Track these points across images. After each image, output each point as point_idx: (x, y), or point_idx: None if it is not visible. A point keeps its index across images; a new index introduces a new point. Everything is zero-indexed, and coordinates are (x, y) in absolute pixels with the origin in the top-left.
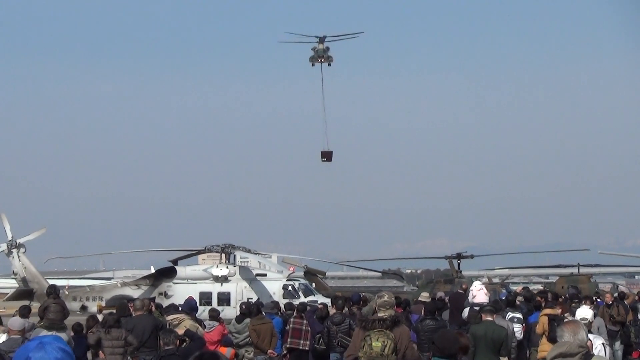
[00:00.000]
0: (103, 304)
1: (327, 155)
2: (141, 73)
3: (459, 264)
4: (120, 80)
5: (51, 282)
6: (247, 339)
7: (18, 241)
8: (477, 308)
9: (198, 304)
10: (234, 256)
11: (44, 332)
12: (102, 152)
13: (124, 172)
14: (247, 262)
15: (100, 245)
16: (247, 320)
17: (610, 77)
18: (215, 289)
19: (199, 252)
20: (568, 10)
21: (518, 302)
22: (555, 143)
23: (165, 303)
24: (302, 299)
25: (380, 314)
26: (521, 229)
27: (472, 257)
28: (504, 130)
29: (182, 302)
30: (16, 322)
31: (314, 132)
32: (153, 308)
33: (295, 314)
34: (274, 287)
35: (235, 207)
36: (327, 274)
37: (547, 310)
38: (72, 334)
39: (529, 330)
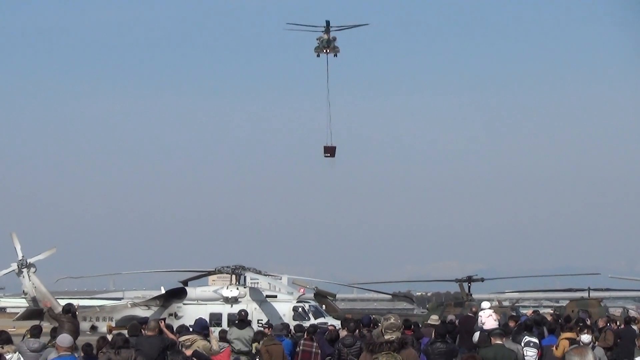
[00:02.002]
0: (113, 324)
1: (330, 151)
2: (149, 89)
3: (469, 287)
4: (129, 98)
5: (61, 302)
6: (247, 348)
7: (28, 261)
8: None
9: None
10: (245, 277)
11: (54, 354)
12: (113, 172)
13: (134, 191)
14: (258, 283)
15: (110, 265)
16: (248, 327)
17: (623, 102)
18: (225, 310)
19: (210, 273)
20: (590, 32)
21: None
22: (566, 166)
23: (176, 324)
24: (312, 321)
25: (387, 337)
26: (532, 252)
27: (482, 280)
28: (515, 152)
29: (192, 323)
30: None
31: (326, 158)
32: (163, 327)
33: (305, 336)
34: (284, 308)
35: (246, 227)
36: (337, 295)
37: (567, 334)
38: (82, 354)
39: (543, 354)
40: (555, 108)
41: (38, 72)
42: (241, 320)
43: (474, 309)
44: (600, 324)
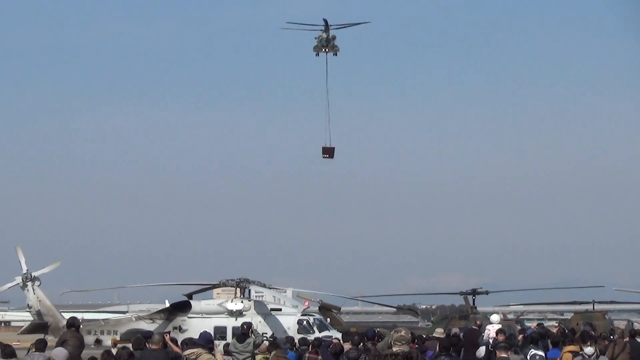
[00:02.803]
0: (117, 337)
1: (328, 152)
2: (150, 100)
3: (473, 300)
4: (131, 110)
5: (66, 315)
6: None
7: (33, 274)
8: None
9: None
10: (249, 290)
11: None
12: (117, 184)
13: (138, 205)
14: (262, 296)
15: (114, 278)
16: (250, 340)
17: (630, 117)
18: (230, 323)
19: (214, 286)
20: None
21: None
22: (571, 178)
23: (180, 337)
24: (317, 334)
25: (395, 349)
26: (536, 265)
27: (487, 293)
28: (521, 163)
29: (197, 337)
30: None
31: (329, 167)
32: (168, 341)
33: (310, 350)
34: (289, 321)
35: (250, 240)
36: (342, 309)
37: (570, 347)
38: None
39: None
40: (562, 121)
41: (43, 85)
42: (243, 333)
43: (478, 322)
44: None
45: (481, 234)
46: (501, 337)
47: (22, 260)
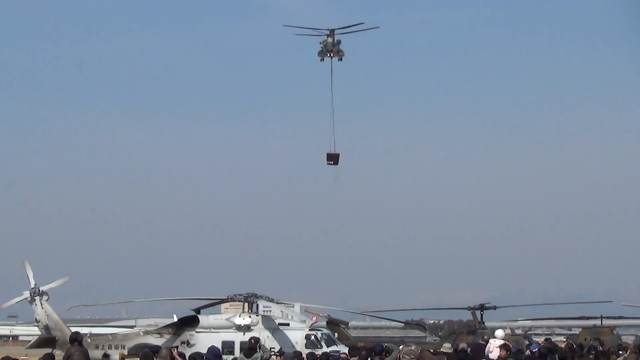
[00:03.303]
0: (125, 352)
1: (333, 159)
2: (156, 116)
3: (481, 315)
4: (137, 126)
5: (74, 330)
6: None
7: (41, 289)
8: None
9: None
10: (257, 305)
11: None
12: (125, 200)
13: (145, 220)
14: (270, 311)
15: (122, 293)
16: (257, 355)
17: (638, 132)
18: (238, 338)
19: (222, 301)
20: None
21: None
22: (579, 193)
23: (188, 352)
24: (325, 349)
25: None
26: (544, 279)
27: (495, 308)
28: (529, 177)
29: (205, 352)
30: None
31: (337, 180)
32: (176, 355)
33: None
34: (297, 336)
35: (258, 254)
36: (349, 323)
37: None
38: None
39: None
40: (571, 135)
41: (51, 101)
42: (250, 348)
43: (486, 337)
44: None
45: (490, 248)
46: (503, 353)
47: (30, 275)
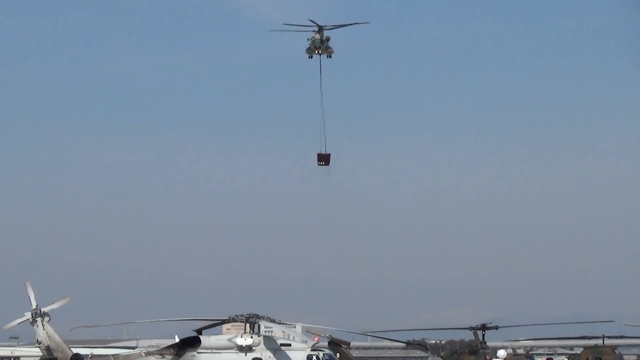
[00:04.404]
0: None
1: (324, 159)
2: (160, 139)
3: (483, 335)
4: (137, 148)
5: (75, 351)
6: None
7: (42, 310)
8: None
9: None
10: (259, 326)
11: None
12: (126, 221)
13: (147, 240)
14: (272, 331)
15: (124, 314)
16: None
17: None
18: (239, 358)
19: (224, 321)
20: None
21: None
22: (581, 213)
23: None
24: None
25: None
26: (546, 299)
27: (496, 327)
28: (531, 198)
29: None
30: None
31: (340, 203)
32: None
33: None
34: (298, 357)
35: (259, 275)
36: (351, 344)
37: None
38: None
39: None
40: (572, 156)
41: (50, 120)
42: None
43: (488, 357)
44: None
45: (491, 268)
46: None
47: (32, 296)
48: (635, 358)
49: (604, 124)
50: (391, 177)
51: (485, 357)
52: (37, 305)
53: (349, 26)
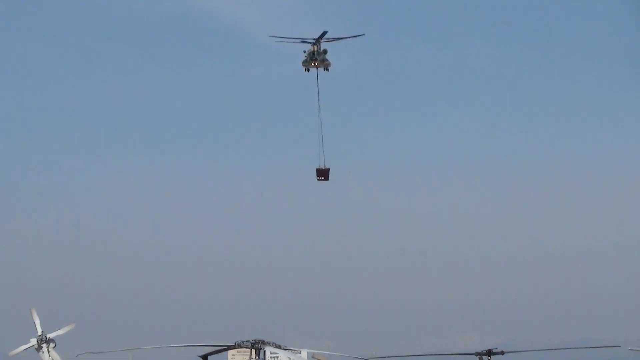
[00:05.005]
0: None
1: (323, 174)
2: (158, 161)
3: None
4: (139, 174)
5: None
6: None
7: (48, 336)
8: None
9: None
10: (264, 352)
11: None
12: (130, 246)
13: (152, 266)
14: (277, 357)
15: (130, 340)
16: None
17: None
18: None
19: (229, 347)
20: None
21: None
22: (587, 237)
23: None
24: None
25: None
26: (552, 324)
27: (502, 353)
28: (536, 226)
29: None
30: None
31: (345, 226)
32: None
33: None
34: None
35: (265, 300)
36: None
37: None
38: None
39: None
40: (576, 179)
41: (58, 144)
42: None
43: None
44: None
45: (498, 294)
46: None
47: (37, 322)
48: None
49: (606, 147)
50: (396, 198)
51: None
52: (42, 332)
53: (346, 40)
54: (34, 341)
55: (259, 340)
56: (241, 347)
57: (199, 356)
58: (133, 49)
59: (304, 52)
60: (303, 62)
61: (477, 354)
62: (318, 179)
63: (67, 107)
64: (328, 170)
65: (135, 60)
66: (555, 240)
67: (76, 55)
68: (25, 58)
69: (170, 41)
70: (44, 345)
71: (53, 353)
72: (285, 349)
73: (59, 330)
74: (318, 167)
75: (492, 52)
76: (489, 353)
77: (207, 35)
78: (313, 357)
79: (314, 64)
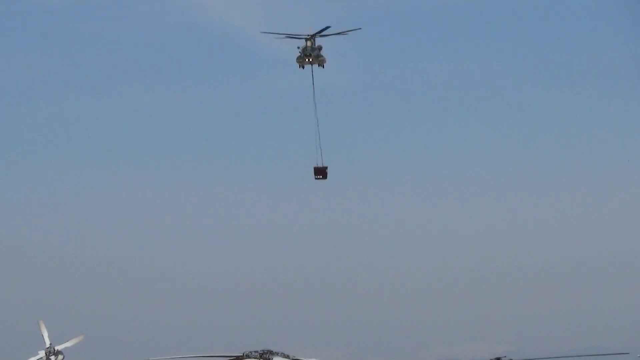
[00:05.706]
0: None
1: (321, 172)
2: (161, 178)
3: None
4: (148, 184)
5: None
6: None
7: (56, 348)
8: None
9: None
10: None
11: None
12: (136, 257)
13: (158, 276)
14: None
15: (137, 351)
16: None
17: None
18: None
19: (237, 358)
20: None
21: None
22: (594, 245)
23: None
24: None
25: None
26: (560, 332)
27: None
28: (544, 232)
29: None
30: None
31: (351, 234)
32: None
33: None
34: None
35: (273, 309)
36: None
37: None
38: None
39: None
40: (584, 191)
41: (64, 158)
42: None
43: None
44: None
45: (506, 301)
46: None
47: (45, 334)
48: None
49: (616, 158)
50: (401, 206)
51: None
52: (50, 344)
53: (343, 35)
54: (42, 353)
55: (268, 351)
56: (249, 357)
57: None
58: (128, 57)
59: (298, 48)
60: (297, 59)
61: None
62: (316, 178)
63: (64, 115)
64: (325, 168)
65: (131, 67)
66: (564, 249)
67: (70, 66)
68: (30, 68)
69: (164, 46)
70: (52, 358)
71: None
72: (295, 359)
73: (68, 342)
74: (316, 165)
75: (492, 52)
76: None
77: (199, 37)
78: None
79: (309, 60)
